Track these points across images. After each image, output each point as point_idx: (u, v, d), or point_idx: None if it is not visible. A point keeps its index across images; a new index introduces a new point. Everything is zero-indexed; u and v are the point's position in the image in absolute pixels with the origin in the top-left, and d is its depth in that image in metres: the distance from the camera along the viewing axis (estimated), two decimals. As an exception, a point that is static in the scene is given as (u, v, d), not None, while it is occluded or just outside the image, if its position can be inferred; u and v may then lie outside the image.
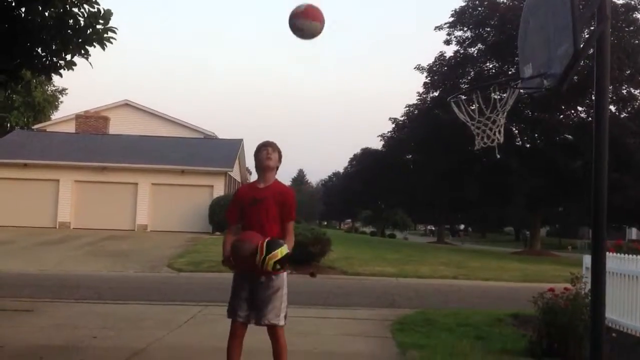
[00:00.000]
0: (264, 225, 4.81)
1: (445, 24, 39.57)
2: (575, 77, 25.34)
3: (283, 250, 4.54)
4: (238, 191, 5.27)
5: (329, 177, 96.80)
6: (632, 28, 34.35)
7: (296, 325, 4.84)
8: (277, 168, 5.07)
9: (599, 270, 5.24)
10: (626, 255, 8.73)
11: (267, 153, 4.96)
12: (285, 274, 4.94)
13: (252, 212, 4.88)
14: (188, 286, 13.70)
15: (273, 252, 4.49)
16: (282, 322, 4.87)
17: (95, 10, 7.23)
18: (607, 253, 7.05)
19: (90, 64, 7.55)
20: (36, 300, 10.59)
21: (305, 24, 4.91)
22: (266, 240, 4.54)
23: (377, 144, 54.90)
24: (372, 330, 8.50)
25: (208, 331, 8.14)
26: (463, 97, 6.19)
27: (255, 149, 5.05)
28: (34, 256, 18.91)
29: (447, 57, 39.95)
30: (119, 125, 36.93)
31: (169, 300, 11.14)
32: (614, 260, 8.70)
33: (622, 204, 32.82)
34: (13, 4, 7.10)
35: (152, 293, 12.24)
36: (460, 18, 38.87)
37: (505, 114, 5.97)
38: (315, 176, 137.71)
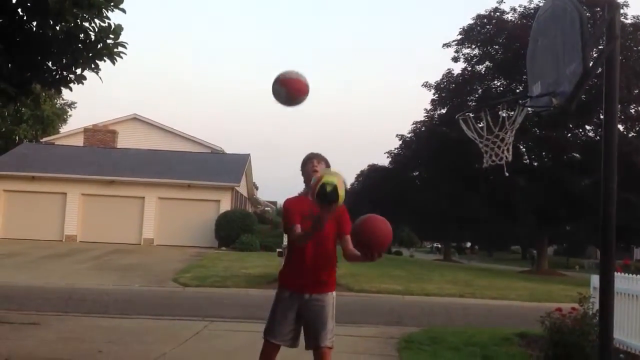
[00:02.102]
0: (325, 241, 4.56)
1: (453, 41, 39.63)
2: (584, 96, 25.34)
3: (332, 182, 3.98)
4: (293, 203, 4.74)
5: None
6: (640, 47, 34.33)
7: (301, 342, 4.80)
8: None
9: (607, 291, 5.21)
10: (634, 275, 8.67)
11: (312, 165, 4.68)
12: (335, 292, 4.70)
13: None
14: (194, 301, 13.67)
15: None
16: (332, 344, 4.58)
17: (106, 25, 7.27)
18: (615, 273, 7.01)
19: (100, 78, 7.59)
20: (42, 313, 10.58)
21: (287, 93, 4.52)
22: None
23: (384, 161, 54.87)
24: (377, 348, 8.45)
25: (213, 347, 8.11)
26: (471, 115, 6.19)
27: (301, 161, 4.80)
28: (40, 269, 18.92)
29: (455, 74, 39.98)
30: (127, 139, 37.10)
31: (175, 315, 11.11)
32: (622, 280, 8.64)
33: (630, 223, 32.65)
34: (25, 18, 7.15)
35: (157, 307, 12.22)
36: (468, 36, 38.92)
37: (514, 132, 5.96)
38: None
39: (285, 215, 4.65)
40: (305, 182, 4.75)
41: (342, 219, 4.67)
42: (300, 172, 4.78)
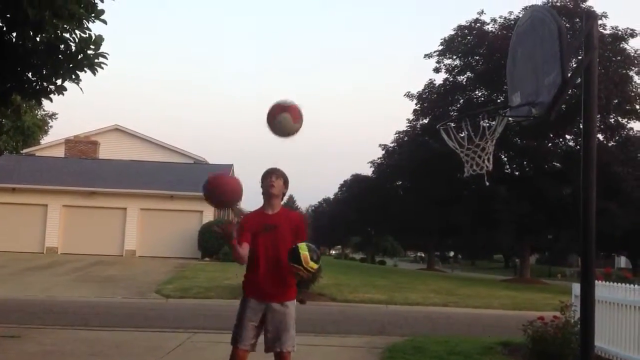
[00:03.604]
0: (277, 252, 4.78)
1: (435, 52, 39.90)
2: (564, 106, 25.56)
3: (303, 250, 4.53)
4: (246, 218, 5.13)
5: (319, 202, 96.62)
6: (619, 58, 34.69)
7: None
8: (284, 194, 5.06)
9: (588, 299, 5.24)
10: (615, 283, 8.74)
11: (270, 181, 4.93)
12: (295, 301, 4.96)
13: (266, 238, 4.83)
14: (176, 312, 13.60)
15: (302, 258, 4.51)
16: (293, 349, 4.88)
17: (87, 35, 7.25)
18: (596, 281, 7.06)
19: (80, 89, 7.57)
20: (23, 326, 10.46)
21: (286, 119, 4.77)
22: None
23: (367, 170, 54.94)
24: (361, 358, 8.45)
25: (197, 358, 8.07)
26: (452, 125, 6.23)
27: (261, 175, 5.03)
28: (21, 281, 18.74)
29: (437, 84, 40.23)
30: (108, 150, 36.88)
31: (157, 327, 11.04)
32: (603, 289, 8.71)
33: (611, 232, 32.95)
34: (4, 29, 7.11)
35: (140, 319, 12.14)
36: (449, 46, 39.19)
37: (494, 141, 6.00)
38: (305, 202, 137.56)
39: (238, 229, 4.93)
40: (262, 194, 5.02)
41: (299, 229, 4.91)
42: (260, 185, 5.03)
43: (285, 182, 5.02)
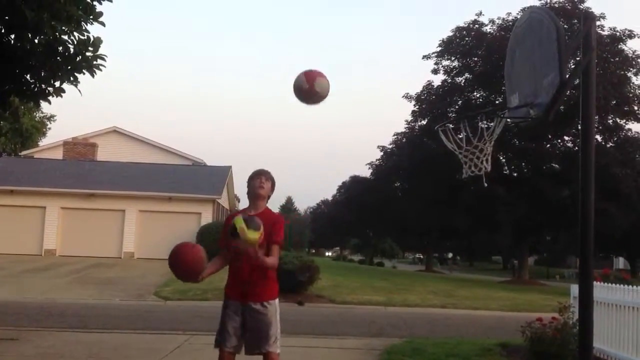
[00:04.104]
0: (261, 251, 4.73)
1: (433, 53, 39.91)
2: (562, 107, 25.59)
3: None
4: (228, 218, 5.19)
5: (318, 204, 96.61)
6: (617, 59, 34.72)
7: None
8: (269, 197, 5.06)
9: (586, 300, 5.24)
10: (613, 284, 8.74)
11: (259, 182, 4.94)
12: (277, 300, 4.92)
13: None
14: (174, 315, 13.58)
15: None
16: (279, 349, 4.85)
17: (85, 37, 7.24)
18: (595, 282, 7.06)
19: (79, 90, 7.56)
20: (21, 328, 10.45)
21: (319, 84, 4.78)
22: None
23: (366, 172, 54.92)
24: (360, 360, 8.44)
25: (194, 360, 8.06)
26: (451, 126, 6.23)
27: (248, 176, 5.03)
28: (19, 284, 18.71)
29: (435, 86, 40.25)
30: (106, 152, 36.85)
31: (155, 329, 11.02)
32: (601, 290, 8.71)
33: (609, 234, 32.97)
34: (2, 31, 7.10)
35: (138, 322, 12.13)
36: (447, 48, 39.22)
37: (493, 142, 6.00)
38: (304, 203, 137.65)
39: (222, 230, 5.03)
40: (248, 194, 5.04)
41: (274, 229, 4.84)
42: (247, 185, 5.04)
43: (273, 185, 5.06)
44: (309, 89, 4.75)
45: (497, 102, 35.01)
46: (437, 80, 40.60)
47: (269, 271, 4.82)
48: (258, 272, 4.76)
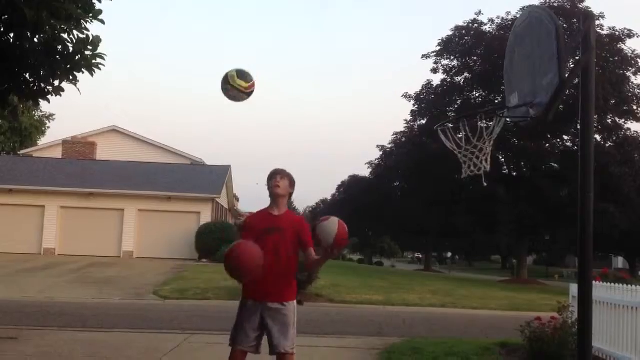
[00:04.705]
0: (281, 254, 4.78)
1: (432, 52, 39.92)
2: (561, 106, 25.60)
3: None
4: (249, 219, 5.08)
5: (317, 204, 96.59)
6: (616, 58, 34.73)
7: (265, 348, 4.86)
8: (291, 195, 5.11)
9: (585, 300, 5.24)
10: (612, 284, 8.75)
11: (275, 181, 4.95)
12: (295, 302, 4.94)
13: (270, 240, 4.78)
14: (174, 314, 13.57)
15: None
16: (294, 350, 4.85)
17: (85, 36, 7.23)
18: (594, 282, 7.07)
19: (78, 90, 7.55)
20: (20, 327, 10.44)
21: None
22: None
23: (365, 172, 54.96)
24: (359, 359, 8.43)
25: (194, 359, 8.06)
26: (450, 126, 6.23)
27: (267, 177, 5.05)
28: (18, 283, 18.70)
29: (434, 85, 40.25)
30: (106, 151, 36.86)
31: (155, 328, 11.02)
32: (600, 289, 8.71)
33: (608, 233, 32.97)
34: (1, 29, 7.09)
35: (137, 321, 12.12)
36: (447, 47, 39.22)
37: (492, 142, 6.00)
38: (303, 203, 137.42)
39: (244, 230, 4.97)
40: (269, 196, 5.03)
41: (302, 232, 4.90)
42: (266, 187, 5.05)
43: (292, 183, 5.07)
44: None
45: (496, 101, 35.00)
46: (437, 79, 40.66)
47: (288, 272, 4.86)
48: (281, 269, 4.79)
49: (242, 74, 4.72)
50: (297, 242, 4.85)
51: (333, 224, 4.55)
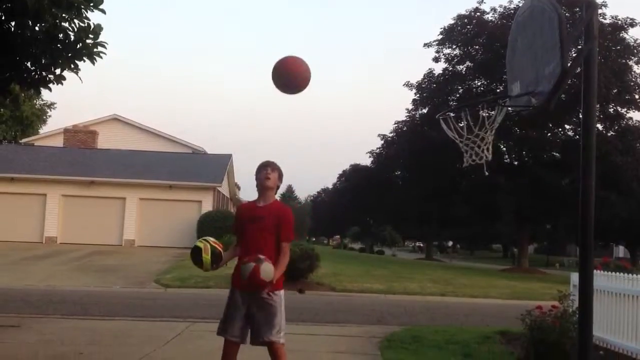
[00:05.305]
0: (259, 243, 4.84)
1: (434, 41, 39.75)
2: (563, 96, 25.52)
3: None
4: (239, 207, 5.37)
5: (318, 192, 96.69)
6: (619, 47, 34.62)
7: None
8: (278, 187, 5.16)
9: (586, 288, 5.25)
10: (613, 273, 8.76)
11: (266, 173, 5.01)
12: (283, 292, 4.97)
13: (250, 229, 4.94)
14: (175, 302, 13.62)
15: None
16: (283, 340, 4.88)
17: (86, 25, 7.21)
18: (595, 271, 7.07)
19: (79, 78, 7.54)
20: (22, 315, 10.49)
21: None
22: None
23: (367, 160, 54.92)
24: (360, 348, 8.46)
25: (195, 348, 8.10)
26: (452, 115, 6.22)
27: (256, 168, 5.10)
28: (20, 271, 18.75)
29: (436, 74, 40.12)
30: (107, 140, 36.83)
31: (156, 316, 11.06)
32: (601, 278, 8.72)
33: (609, 222, 33.02)
34: (2, 18, 7.08)
35: (138, 309, 12.16)
36: (449, 36, 39.07)
37: (494, 131, 5.99)
38: (304, 192, 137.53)
39: (234, 220, 5.28)
40: (257, 186, 5.12)
41: (283, 226, 4.96)
42: (255, 177, 5.13)
43: (280, 175, 5.13)
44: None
45: (498, 90, 34.91)
46: (438, 68, 40.52)
47: (275, 260, 4.86)
48: None
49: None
50: (275, 232, 4.91)
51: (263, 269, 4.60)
